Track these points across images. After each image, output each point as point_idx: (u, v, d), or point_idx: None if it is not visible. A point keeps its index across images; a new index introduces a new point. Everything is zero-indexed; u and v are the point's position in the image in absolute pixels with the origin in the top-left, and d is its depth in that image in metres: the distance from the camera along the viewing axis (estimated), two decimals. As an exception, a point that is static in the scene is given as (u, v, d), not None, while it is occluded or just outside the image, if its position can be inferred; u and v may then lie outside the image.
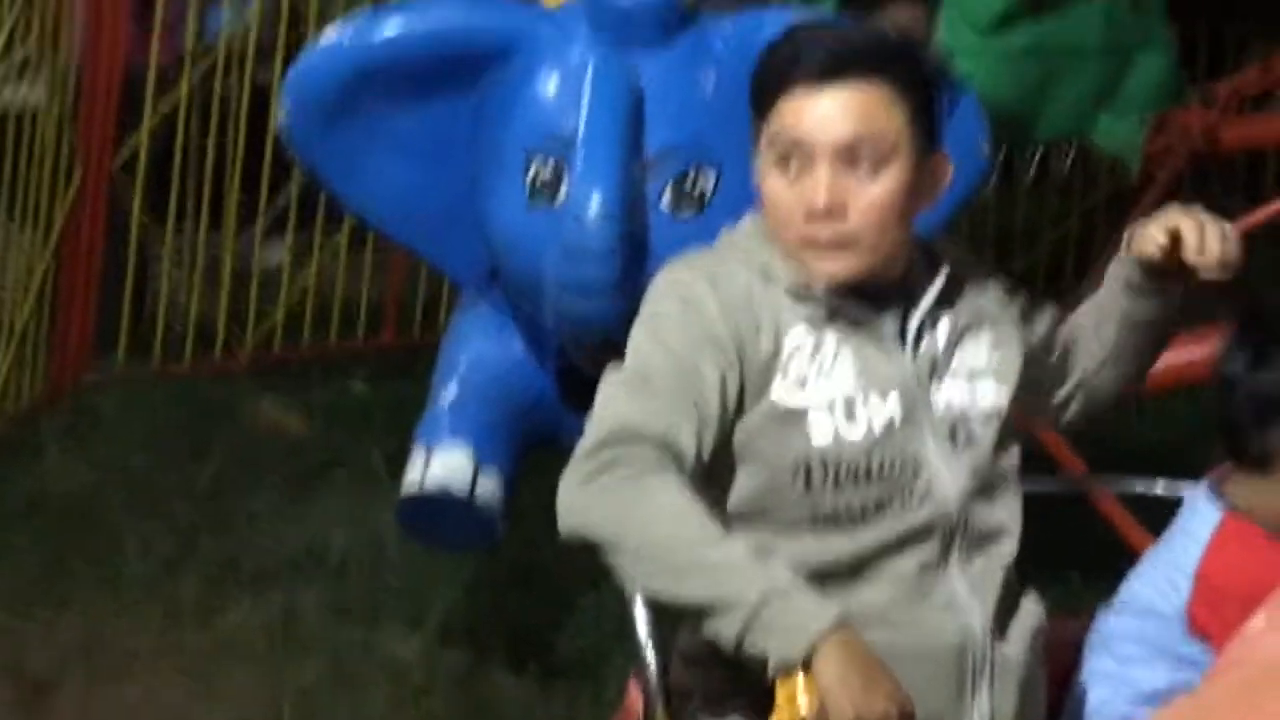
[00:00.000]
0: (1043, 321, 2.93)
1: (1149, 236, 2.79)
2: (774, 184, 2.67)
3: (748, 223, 2.78)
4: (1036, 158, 8.72)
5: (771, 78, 2.68)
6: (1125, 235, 2.88)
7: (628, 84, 3.66)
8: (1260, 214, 5.11)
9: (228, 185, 6.84)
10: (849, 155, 2.63)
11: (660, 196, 3.67)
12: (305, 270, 7.01)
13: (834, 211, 2.63)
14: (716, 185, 3.67)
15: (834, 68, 2.63)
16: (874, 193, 2.64)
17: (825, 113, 2.63)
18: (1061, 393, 2.98)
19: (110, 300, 6.58)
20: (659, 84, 3.71)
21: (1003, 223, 8.23)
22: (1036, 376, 2.88)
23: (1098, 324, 2.96)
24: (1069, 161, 8.81)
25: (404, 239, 4.13)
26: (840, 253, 2.65)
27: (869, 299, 2.69)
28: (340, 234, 7.00)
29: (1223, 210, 7.71)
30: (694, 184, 3.67)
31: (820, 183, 2.62)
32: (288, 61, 6.70)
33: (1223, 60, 8.59)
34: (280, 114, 3.91)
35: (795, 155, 2.64)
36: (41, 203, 6.18)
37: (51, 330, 6.38)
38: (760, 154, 2.70)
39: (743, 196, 3.29)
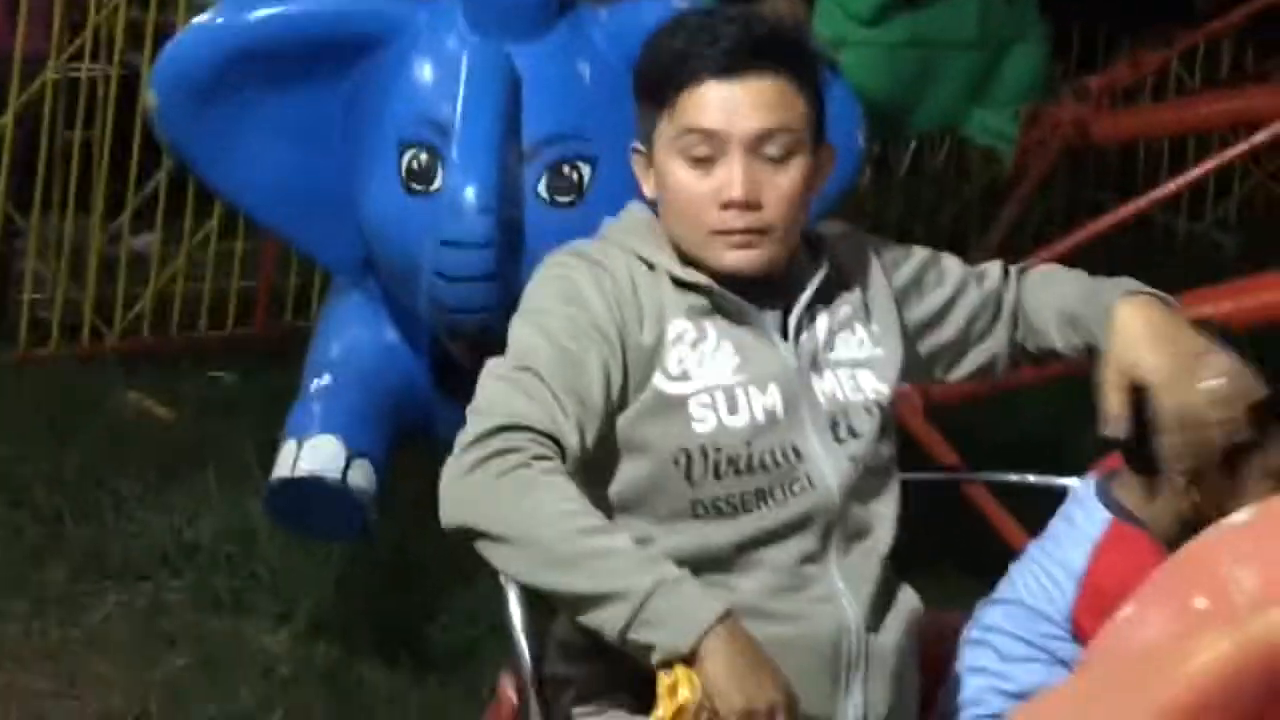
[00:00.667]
0: (942, 286, 2.88)
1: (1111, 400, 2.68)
2: (681, 176, 2.65)
3: (631, 212, 2.77)
4: (911, 150, 8.76)
5: (672, 68, 2.65)
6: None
7: (504, 73, 3.60)
8: (1129, 209, 5.15)
9: (95, 172, 6.75)
10: (760, 146, 2.63)
11: (537, 186, 3.62)
12: (174, 259, 6.93)
13: (751, 203, 2.62)
14: (593, 174, 3.63)
15: (743, 58, 2.62)
16: (785, 183, 2.65)
17: (738, 103, 2.62)
18: (983, 351, 2.90)
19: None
20: (535, 74, 3.65)
21: (877, 215, 8.26)
22: (930, 349, 2.87)
23: (1068, 319, 2.81)
24: (943, 154, 8.86)
25: (276, 225, 4.05)
26: (755, 243, 2.64)
27: (753, 290, 2.68)
28: (211, 222, 6.92)
29: (1095, 204, 7.87)
30: (571, 173, 3.62)
31: (736, 174, 2.62)
32: (157, 45, 6.74)
33: (1094, 56, 8.66)
34: (149, 98, 3.81)
35: (705, 146, 2.62)
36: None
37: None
38: (657, 145, 2.67)
39: (620, 186, 3.25)
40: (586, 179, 3.63)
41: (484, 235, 3.51)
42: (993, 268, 2.92)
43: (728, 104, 2.62)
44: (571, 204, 3.63)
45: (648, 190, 2.72)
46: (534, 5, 3.69)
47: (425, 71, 3.69)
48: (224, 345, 6.86)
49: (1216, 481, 2.80)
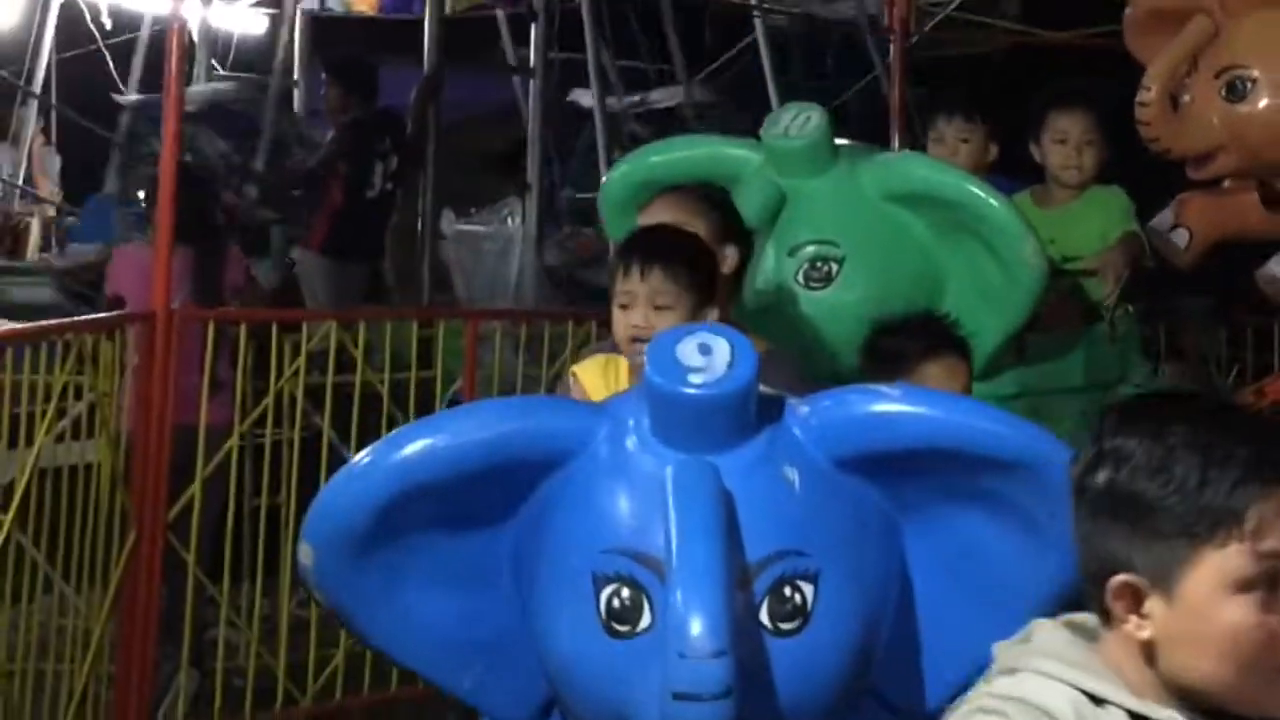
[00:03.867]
0: None
1: None
2: (1250, 614, 2.31)
3: (1045, 637, 2.47)
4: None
5: (1247, 482, 2.31)
6: None
7: (718, 493, 3.12)
8: None
9: (283, 536, 6.83)
10: None
11: (758, 614, 3.15)
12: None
13: None
14: (816, 594, 3.16)
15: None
16: None
17: None
18: None
19: (169, 656, 6.54)
20: (742, 487, 3.17)
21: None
22: None
23: None
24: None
25: (443, 679, 3.51)
26: None
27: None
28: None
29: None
30: (793, 595, 3.16)
31: None
32: (338, 407, 6.87)
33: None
34: (303, 554, 3.34)
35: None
36: (97, 563, 6.16)
37: (112, 690, 6.31)
38: (1190, 577, 2.33)
39: (844, 604, 3.18)
40: (810, 600, 3.15)
41: (722, 684, 2.99)
42: None
43: None
44: (796, 630, 3.16)
45: (1137, 629, 2.39)
46: (735, 409, 3.18)
47: (616, 495, 3.22)
48: (417, 702, 6.84)
49: None
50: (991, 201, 5.27)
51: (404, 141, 9.65)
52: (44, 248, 11.71)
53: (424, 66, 10.02)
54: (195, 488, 6.49)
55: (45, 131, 12.74)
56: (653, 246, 4.15)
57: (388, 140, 9.57)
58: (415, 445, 3.24)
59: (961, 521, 3.32)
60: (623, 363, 4.14)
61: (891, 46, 8.93)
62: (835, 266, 5.28)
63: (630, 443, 3.24)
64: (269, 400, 6.78)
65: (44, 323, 6.58)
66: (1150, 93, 5.46)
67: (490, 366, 7.69)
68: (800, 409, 3.27)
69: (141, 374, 6.36)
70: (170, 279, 6.37)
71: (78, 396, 6.21)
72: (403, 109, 9.90)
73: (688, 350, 3.20)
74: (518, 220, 10.63)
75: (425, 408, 7.31)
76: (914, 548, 3.33)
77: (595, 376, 4.16)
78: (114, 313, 6.84)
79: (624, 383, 4.09)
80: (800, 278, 5.27)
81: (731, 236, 4.65)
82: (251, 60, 11.78)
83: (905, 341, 4.42)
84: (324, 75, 10.14)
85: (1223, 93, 5.52)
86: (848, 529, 3.23)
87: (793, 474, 3.20)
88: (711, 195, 4.70)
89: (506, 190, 10.96)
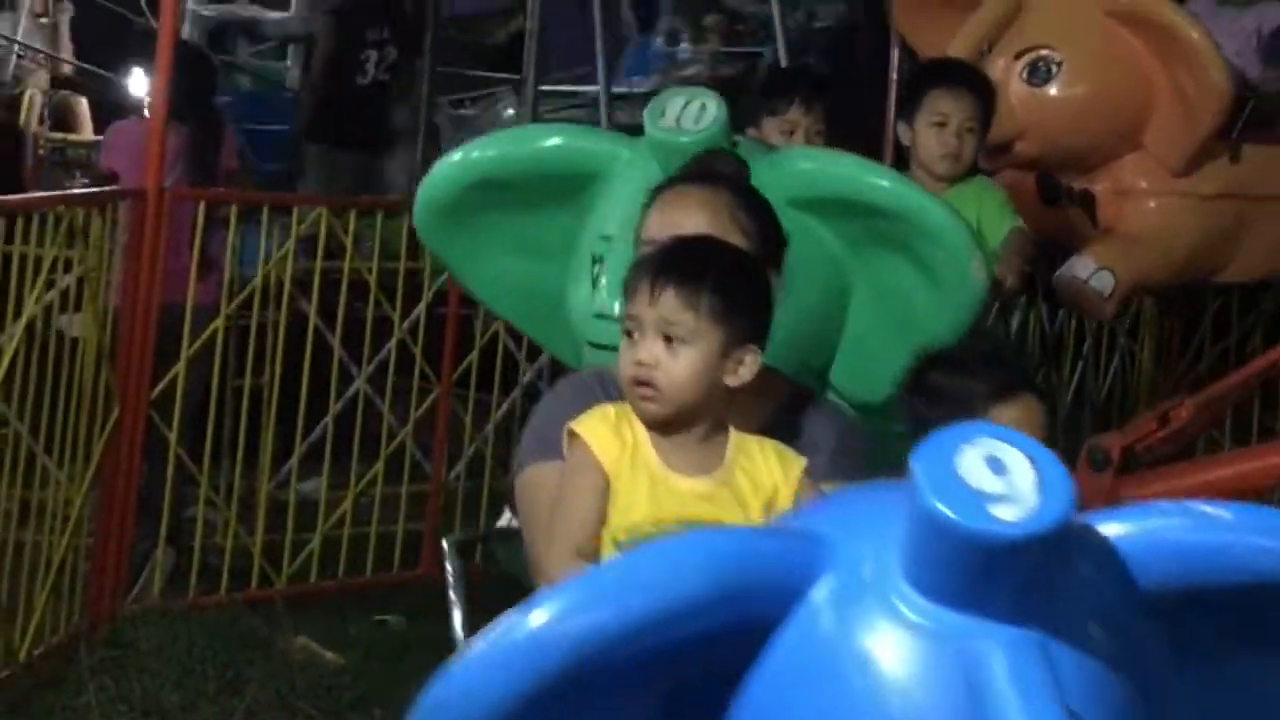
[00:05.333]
0: None
1: None
2: None
3: None
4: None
5: None
6: None
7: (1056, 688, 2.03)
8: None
9: (264, 419, 6.88)
10: None
11: None
12: (340, 503, 7.01)
13: None
14: None
15: None
16: None
17: None
18: None
19: (147, 532, 6.60)
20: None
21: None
22: None
23: None
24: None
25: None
26: None
27: None
28: (377, 465, 7.01)
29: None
30: None
31: None
32: (323, 293, 6.91)
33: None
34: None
35: None
36: (80, 436, 6.20)
37: (89, 563, 6.37)
38: None
39: None
40: None
41: None
42: None
43: None
44: None
45: None
46: (1058, 553, 2.07)
47: (874, 686, 2.09)
48: (391, 588, 6.91)
49: None
50: (934, 209, 4.26)
51: (404, 32, 9.62)
52: (42, 120, 11.58)
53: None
54: (180, 366, 6.53)
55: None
56: (669, 260, 3.24)
57: (385, 30, 9.53)
58: (565, 619, 2.11)
59: (1254, 667, 2.42)
60: (634, 416, 3.27)
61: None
62: None
63: (877, 599, 2.11)
64: (256, 283, 6.82)
65: (34, 194, 6.60)
66: None
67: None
68: (1088, 532, 2.18)
69: (131, 251, 6.38)
70: (164, 157, 6.39)
71: (66, 270, 6.24)
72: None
73: (973, 467, 2.08)
74: (511, 112, 10.62)
75: (412, 300, 7.37)
76: (1186, 699, 2.36)
77: (606, 438, 3.24)
78: (106, 188, 6.86)
79: (644, 444, 3.25)
80: None
81: (773, 259, 3.61)
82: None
83: (971, 380, 3.66)
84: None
85: (1024, 75, 5.32)
86: (1148, 696, 2.21)
87: (1098, 632, 2.15)
88: (753, 201, 3.69)
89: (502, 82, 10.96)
